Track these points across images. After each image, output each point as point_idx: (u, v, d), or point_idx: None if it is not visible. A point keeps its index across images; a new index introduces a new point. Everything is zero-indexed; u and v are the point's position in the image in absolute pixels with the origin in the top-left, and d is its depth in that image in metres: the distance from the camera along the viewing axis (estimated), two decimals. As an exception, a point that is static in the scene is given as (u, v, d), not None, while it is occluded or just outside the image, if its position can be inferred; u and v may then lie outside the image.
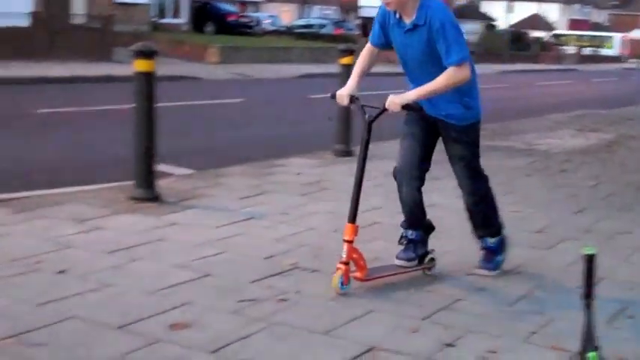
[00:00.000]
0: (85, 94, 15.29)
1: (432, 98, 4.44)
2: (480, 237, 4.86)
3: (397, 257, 4.69)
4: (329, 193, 6.85)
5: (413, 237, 4.73)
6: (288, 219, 5.91)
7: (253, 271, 4.65)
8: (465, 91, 4.49)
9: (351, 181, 4.52)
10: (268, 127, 12.17)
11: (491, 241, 4.82)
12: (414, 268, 4.69)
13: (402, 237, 4.78)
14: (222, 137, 10.89)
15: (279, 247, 5.18)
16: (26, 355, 3.40)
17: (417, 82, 4.44)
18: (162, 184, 6.55)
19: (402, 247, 4.74)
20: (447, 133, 4.63)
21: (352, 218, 4.38)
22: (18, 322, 3.73)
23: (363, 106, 4.48)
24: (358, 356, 3.60)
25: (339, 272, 4.30)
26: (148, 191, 6.28)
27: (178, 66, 22.60)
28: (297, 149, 9.07)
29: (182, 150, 9.02)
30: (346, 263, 4.31)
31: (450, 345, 3.75)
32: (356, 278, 4.38)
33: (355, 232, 4.36)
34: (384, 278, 4.53)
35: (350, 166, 6.83)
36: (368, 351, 3.65)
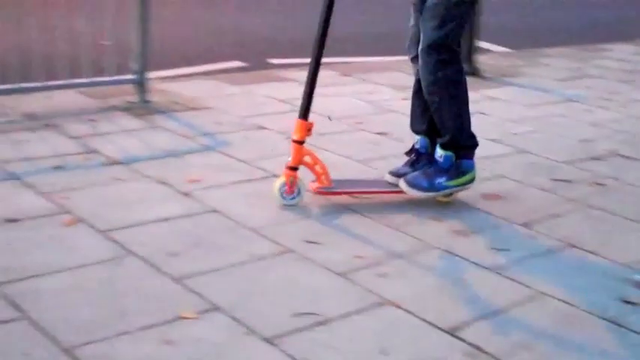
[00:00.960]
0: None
1: None
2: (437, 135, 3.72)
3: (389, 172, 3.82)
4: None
5: (417, 146, 3.81)
6: (609, 104, 5.71)
7: (568, 153, 4.58)
8: None
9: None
10: (593, 7, 11.60)
11: (440, 152, 3.65)
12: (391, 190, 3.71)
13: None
14: (541, 17, 10.58)
15: (597, 131, 5.05)
16: (350, 204, 3.65)
17: None
18: (481, 60, 6.56)
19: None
20: None
21: (302, 113, 3.57)
22: (343, 175, 3.97)
23: None
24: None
25: (281, 178, 3.57)
26: (468, 65, 6.32)
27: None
28: (622, 35, 8.63)
29: (500, 28, 8.90)
30: (293, 169, 3.55)
31: None
32: (313, 189, 3.63)
33: (306, 130, 3.55)
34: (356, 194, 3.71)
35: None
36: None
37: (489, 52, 7.42)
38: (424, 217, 3.57)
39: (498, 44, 8.01)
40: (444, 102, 3.59)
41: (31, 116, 4.57)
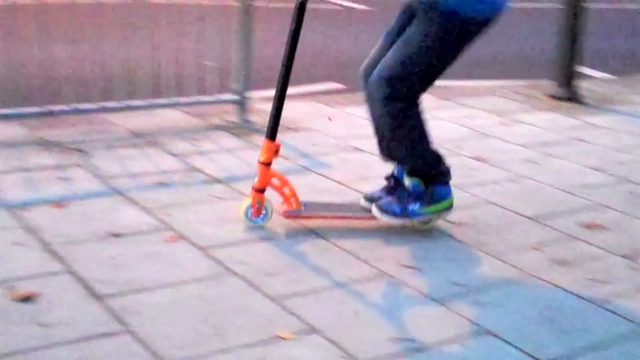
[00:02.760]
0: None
1: None
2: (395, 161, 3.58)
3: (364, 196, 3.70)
4: None
5: (395, 173, 3.67)
6: None
7: (674, 184, 4.46)
8: None
9: None
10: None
11: (407, 180, 3.52)
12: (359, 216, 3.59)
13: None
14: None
15: None
16: (447, 229, 3.63)
17: None
18: (582, 86, 6.45)
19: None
20: (418, 14, 3.37)
21: (269, 134, 3.48)
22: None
23: None
24: None
25: (247, 200, 3.52)
26: (567, 90, 6.26)
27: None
28: None
29: (603, 53, 8.73)
30: (259, 190, 3.49)
31: None
32: (281, 213, 3.54)
33: (273, 151, 3.46)
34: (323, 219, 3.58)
35: None
36: None
37: (591, 79, 7.28)
38: (523, 245, 3.52)
39: (601, 70, 7.85)
40: (392, 134, 3.42)
41: (136, 133, 4.70)
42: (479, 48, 6.84)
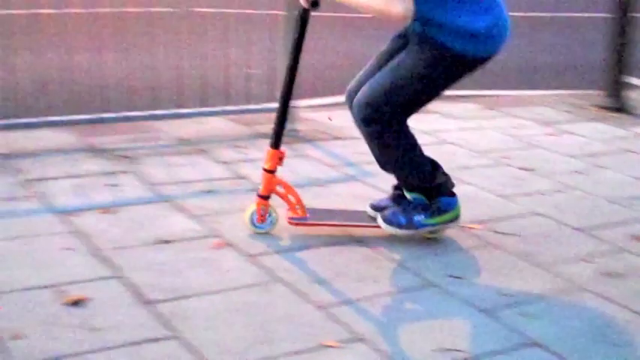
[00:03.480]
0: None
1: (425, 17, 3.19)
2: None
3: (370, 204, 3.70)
4: None
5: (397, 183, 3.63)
6: None
7: None
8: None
9: None
10: None
11: (408, 195, 3.52)
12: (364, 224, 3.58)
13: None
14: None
15: None
16: (493, 240, 3.61)
17: None
18: (631, 96, 6.38)
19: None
20: (411, 41, 3.35)
21: (274, 142, 3.48)
22: (485, 210, 3.95)
23: None
24: None
25: (252, 207, 3.52)
26: (615, 100, 6.20)
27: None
28: None
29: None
30: (264, 197, 3.49)
31: None
32: (287, 220, 3.53)
33: (277, 159, 3.47)
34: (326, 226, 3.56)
35: None
36: None
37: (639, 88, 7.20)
38: (571, 256, 3.49)
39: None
40: (379, 153, 3.43)
41: (183, 141, 4.75)
42: (527, 58, 6.79)
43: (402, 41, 3.41)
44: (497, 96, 6.56)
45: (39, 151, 4.43)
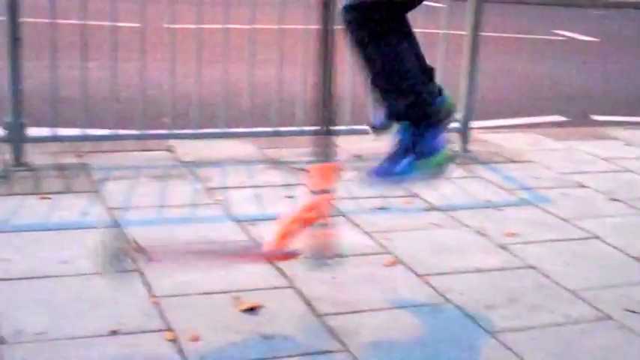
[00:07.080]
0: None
1: None
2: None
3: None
4: None
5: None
6: None
7: None
8: None
9: None
10: None
11: (397, 127, 2.98)
12: None
13: None
14: None
15: None
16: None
17: None
18: None
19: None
20: None
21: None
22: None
23: None
24: None
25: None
26: None
27: None
28: None
29: None
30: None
31: None
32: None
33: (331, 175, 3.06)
34: None
35: None
36: None
37: None
38: None
39: None
40: (368, 67, 2.92)
41: (359, 157, 4.82)
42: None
43: None
44: (612, 122, 6.26)
45: (221, 160, 4.63)
